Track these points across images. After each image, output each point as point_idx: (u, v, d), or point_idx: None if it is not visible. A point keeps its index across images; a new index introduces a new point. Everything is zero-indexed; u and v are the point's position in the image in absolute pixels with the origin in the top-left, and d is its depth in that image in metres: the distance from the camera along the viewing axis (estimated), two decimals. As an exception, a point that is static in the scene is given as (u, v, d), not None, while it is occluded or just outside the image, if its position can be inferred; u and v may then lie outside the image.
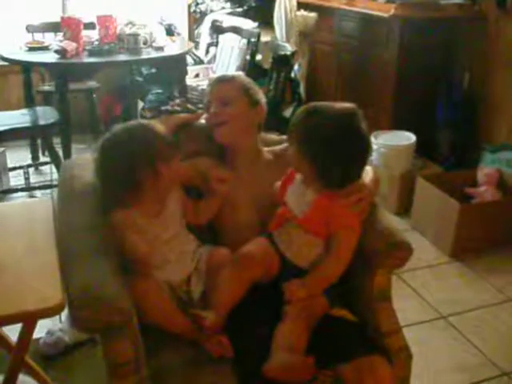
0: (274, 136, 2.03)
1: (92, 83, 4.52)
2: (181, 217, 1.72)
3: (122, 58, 3.68)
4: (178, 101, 3.50)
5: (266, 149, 1.92)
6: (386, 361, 1.50)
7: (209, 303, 1.62)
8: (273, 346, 1.46)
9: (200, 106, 3.68)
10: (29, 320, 1.40)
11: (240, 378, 1.50)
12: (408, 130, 3.72)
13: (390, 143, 3.63)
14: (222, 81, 1.89)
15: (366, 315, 1.66)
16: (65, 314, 2.28)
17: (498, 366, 2.37)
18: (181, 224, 1.72)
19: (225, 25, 4.58)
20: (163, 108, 3.54)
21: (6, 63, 3.79)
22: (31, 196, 3.76)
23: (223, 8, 5.11)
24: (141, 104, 4.68)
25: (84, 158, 1.98)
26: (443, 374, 2.32)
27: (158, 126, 1.66)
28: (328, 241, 1.60)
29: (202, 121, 1.96)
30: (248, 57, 4.19)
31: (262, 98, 1.90)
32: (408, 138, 3.68)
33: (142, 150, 1.56)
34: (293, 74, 4.38)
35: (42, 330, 2.34)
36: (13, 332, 1.56)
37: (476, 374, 2.33)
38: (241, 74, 2.02)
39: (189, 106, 3.40)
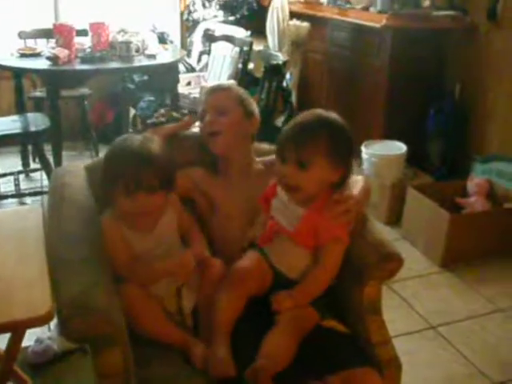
0: (265, 146, 2.03)
1: (84, 90, 4.51)
2: (175, 231, 1.71)
3: (114, 65, 3.69)
4: (162, 111, 3.50)
5: (257, 159, 1.92)
6: (376, 372, 1.50)
7: (201, 318, 1.62)
8: (258, 354, 1.45)
9: (185, 112, 3.68)
10: (17, 329, 1.39)
11: None
12: (399, 139, 3.74)
13: (381, 153, 3.65)
14: (218, 90, 1.89)
15: (356, 326, 1.66)
16: (54, 322, 2.26)
17: (487, 376, 2.37)
18: (175, 237, 1.71)
19: (217, 33, 4.60)
20: (149, 122, 3.54)
21: (-3, 69, 3.79)
22: (21, 203, 3.75)
23: (216, 16, 5.13)
24: (132, 111, 4.68)
25: (75, 166, 1.97)
26: (433, 384, 2.32)
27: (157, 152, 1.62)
28: (315, 252, 1.61)
29: (195, 129, 1.96)
30: (240, 65, 4.21)
31: (255, 109, 1.91)
32: (399, 147, 3.70)
33: (121, 171, 1.57)
34: (285, 83, 4.39)
35: (30, 338, 2.32)
36: (2, 341, 1.55)
37: (466, 384, 2.33)
38: (234, 83, 2.02)
39: (174, 113, 3.39)
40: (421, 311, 2.79)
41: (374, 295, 1.66)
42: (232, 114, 1.82)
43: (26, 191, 3.85)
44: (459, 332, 2.65)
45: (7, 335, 1.48)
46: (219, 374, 1.44)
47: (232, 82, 4.06)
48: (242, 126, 1.84)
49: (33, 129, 3.56)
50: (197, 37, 5.18)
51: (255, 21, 5.00)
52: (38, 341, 2.34)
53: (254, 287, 1.60)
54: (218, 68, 4.59)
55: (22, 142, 4.07)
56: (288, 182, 1.57)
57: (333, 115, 1.66)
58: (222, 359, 1.45)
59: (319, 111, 1.66)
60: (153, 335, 1.56)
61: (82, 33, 3.93)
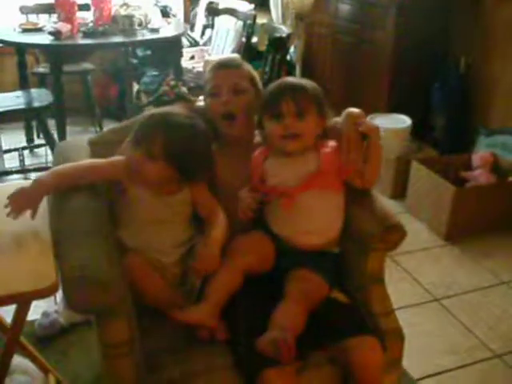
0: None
1: (87, 65, 4.50)
2: (188, 206, 1.70)
3: (117, 39, 3.66)
4: (172, 82, 3.47)
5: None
6: (377, 341, 1.51)
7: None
8: (269, 324, 1.48)
9: (192, 85, 3.66)
10: (23, 301, 1.40)
11: (234, 356, 1.51)
12: (404, 113, 3.72)
13: (386, 126, 3.62)
14: (232, 67, 1.85)
15: (358, 297, 1.68)
16: (60, 295, 2.29)
17: (490, 348, 2.39)
18: (186, 212, 1.71)
19: (221, 7, 4.55)
20: (156, 94, 3.52)
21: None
22: (26, 178, 3.74)
23: (219, -11, 5.08)
24: (136, 86, 4.66)
25: (78, 140, 1.98)
26: (436, 356, 2.34)
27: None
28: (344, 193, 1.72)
29: (200, 103, 1.94)
30: (244, 39, 4.18)
31: (261, 86, 1.90)
32: (403, 121, 3.68)
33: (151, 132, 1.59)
34: (289, 57, 4.36)
35: (37, 311, 2.35)
36: (9, 314, 1.57)
37: (468, 356, 2.35)
38: (238, 57, 1.99)
39: (183, 89, 3.37)
40: (425, 284, 2.81)
41: (377, 266, 1.67)
42: (247, 95, 1.81)
43: (31, 167, 3.86)
44: (463, 304, 2.66)
45: (13, 308, 1.50)
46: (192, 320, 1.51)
47: (236, 55, 4.04)
48: (254, 106, 1.82)
49: (36, 104, 3.55)
50: (200, 10, 5.14)
51: (259, -6, 4.95)
52: (45, 314, 2.37)
53: (253, 259, 1.62)
54: (221, 42, 4.56)
55: (26, 117, 4.07)
56: (292, 131, 1.65)
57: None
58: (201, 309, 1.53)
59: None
60: (155, 304, 1.58)
61: (84, 7, 3.90)
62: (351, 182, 1.71)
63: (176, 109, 1.71)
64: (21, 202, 1.49)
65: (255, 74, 1.89)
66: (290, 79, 1.80)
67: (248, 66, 1.89)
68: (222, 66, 1.86)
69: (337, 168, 1.68)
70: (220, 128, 1.83)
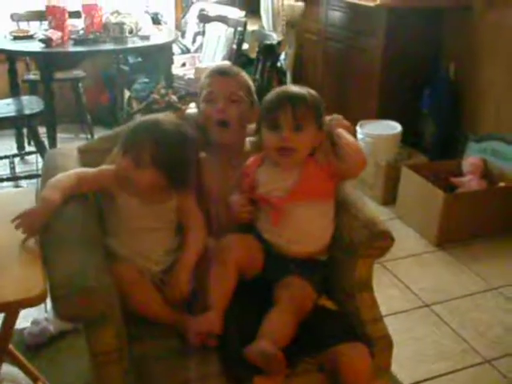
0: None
1: (78, 72, 4.50)
2: (174, 217, 1.71)
3: (108, 47, 3.67)
4: (162, 90, 3.47)
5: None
6: (365, 348, 1.52)
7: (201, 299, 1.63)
8: (259, 332, 1.48)
9: (182, 93, 3.66)
10: (10, 310, 1.40)
11: (223, 363, 1.51)
12: (394, 119, 3.74)
13: (376, 133, 3.65)
14: (230, 74, 1.85)
15: (346, 304, 1.68)
16: (50, 303, 2.28)
17: (480, 353, 2.40)
18: (172, 222, 1.71)
19: (211, 14, 4.57)
20: (146, 102, 3.52)
21: (-10, 52, 3.78)
22: (17, 186, 3.74)
23: (210, -3, 5.10)
24: (127, 93, 4.66)
25: (68, 147, 1.98)
26: (426, 362, 2.34)
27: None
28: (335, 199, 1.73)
29: (192, 110, 1.95)
30: (234, 46, 4.19)
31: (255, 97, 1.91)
32: (394, 127, 3.70)
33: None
34: (279, 64, 4.37)
35: (27, 319, 2.35)
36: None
37: (459, 361, 2.35)
38: (229, 64, 1.99)
39: (172, 97, 3.37)
40: (415, 290, 2.81)
41: (365, 273, 1.67)
42: (242, 104, 1.81)
43: (22, 174, 3.84)
44: (453, 310, 2.67)
45: (0, 317, 1.50)
46: (203, 328, 1.51)
47: (226, 62, 4.05)
48: (248, 116, 1.83)
49: (27, 112, 3.55)
50: (191, 17, 5.15)
51: (250, 1, 4.96)
52: (35, 322, 2.36)
53: (243, 257, 1.61)
54: (212, 49, 4.57)
55: (17, 125, 4.04)
56: (288, 145, 1.63)
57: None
58: (209, 317, 1.52)
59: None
60: (145, 312, 1.59)
61: (75, 14, 3.91)
62: (342, 173, 1.71)
63: (164, 116, 1.72)
64: (34, 224, 1.49)
65: (251, 83, 1.90)
66: (291, 88, 1.74)
67: (245, 76, 1.89)
68: (221, 73, 1.86)
69: (320, 174, 1.68)
70: (212, 134, 1.83)
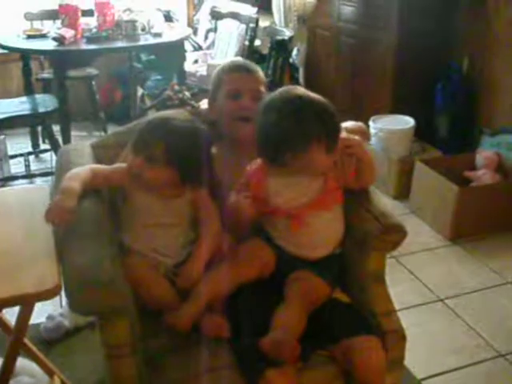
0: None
1: (91, 70, 4.52)
2: (187, 213, 1.71)
3: (120, 44, 3.69)
4: (176, 87, 3.49)
5: None
6: (378, 341, 1.52)
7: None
8: (271, 325, 1.48)
9: (196, 91, 3.68)
10: (26, 303, 1.42)
11: (236, 356, 1.52)
12: (407, 113, 3.73)
13: (389, 127, 3.64)
14: (252, 72, 1.85)
15: (360, 297, 1.68)
16: (65, 299, 2.30)
17: (494, 347, 2.39)
18: (186, 218, 1.71)
19: (223, 10, 4.57)
20: (160, 99, 3.54)
21: (4, 51, 3.82)
22: (31, 183, 3.78)
23: (222, -7, 5.10)
24: (140, 91, 4.69)
25: (81, 144, 2.00)
26: (440, 355, 2.34)
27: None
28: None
29: (205, 106, 1.95)
30: (246, 42, 4.19)
31: None
32: (407, 122, 3.69)
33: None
34: (292, 60, 4.37)
35: (42, 315, 2.38)
36: (12, 316, 1.59)
37: (473, 355, 2.35)
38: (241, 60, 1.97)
39: (187, 94, 3.39)
40: (429, 284, 2.81)
41: (378, 266, 1.67)
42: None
43: (36, 172, 3.88)
44: (467, 304, 2.66)
45: (16, 311, 1.51)
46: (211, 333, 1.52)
47: (239, 58, 4.05)
48: None
49: (41, 110, 3.58)
50: (203, 14, 5.16)
51: (261, -3, 4.97)
52: (50, 317, 2.39)
53: (251, 273, 1.61)
54: (224, 45, 4.58)
55: (31, 123, 4.07)
56: (319, 170, 1.60)
57: (307, 91, 1.65)
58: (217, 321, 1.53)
59: (297, 92, 1.62)
60: (158, 306, 1.59)
61: (88, 13, 3.92)
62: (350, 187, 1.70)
63: (176, 113, 1.72)
64: (64, 213, 1.48)
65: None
66: (310, 101, 1.59)
67: (261, 72, 1.90)
68: (244, 69, 1.86)
69: (337, 188, 1.66)
70: (231, 129, 1.84)
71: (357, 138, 1.67)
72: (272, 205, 1.64)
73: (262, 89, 1.82)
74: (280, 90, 1.66)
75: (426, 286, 2.80)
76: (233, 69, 1.87)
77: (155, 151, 1.58)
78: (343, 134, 1.64)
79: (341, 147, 1.62)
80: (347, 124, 1.78)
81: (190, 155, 1.62)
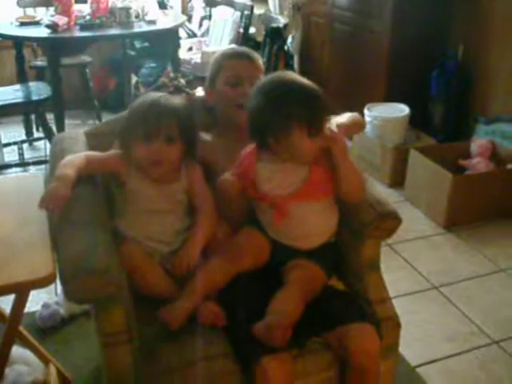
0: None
1: (85, 58, 4.49)
2: (184, 197, 1.72)
3: (114, 31, 3.68)
4: (171, 74, 3.46)
5: None
6: (373, 328, 1.52)
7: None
8: (267, 311, 1.48)
9: (191, 78, 3.66)
10: (20, 290, 1.42)
11: (231, 344, 1.52)
12: (402, 101, 3.73)
13: (384, 115, 3.64)
14: (252, 59, 1.84)
15: (354, 284, 1.69)
16: (60, 287, 2.30)
17: (488, 334, 2.40)
18: (183, 203, 1.72)
19: (218, -3, 4.55)
20: (155, 86, 3.51)
21: (-3, 38, 3.78)
22: (25, 172, 3.76)
23: (216, -20, 5.07)
24: (134, 78, 4.67)
25: (75, 132, 1.99)
26: (434, 342, 2.35)
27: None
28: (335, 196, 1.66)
29: (199, 93, 1.94)
30: (241, 30, 4.17)
31: None
32: (401, 110, 3.69)
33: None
34: (287, 47, 4.36)
35: (38, 303, 2.38)
36: (8, 304, 1.59)
37: (466, 342, 2.36)
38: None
39: (182, 81, 3.37)
40: (423, 272, 2.82)
41: (373, 254, 1.68)
42: None
43: (30, 160, 3.87)
44: (461, 292, 2.67)
45: (11, 299, 1.51)
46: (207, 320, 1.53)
47: (234, 46, 4.03)
48: None
49: (35, 98, 3.56)
50: (197, 2, 5.13)
51: (256, -16, 4.93)
52: (45, 306, 2.38)
53: (246, 264, 1.62)
54: (219, 33, 4.55)
55: (25, 111, 4.07)
56: (311, 157, 1.58)
57: (298, 77, 1.63)
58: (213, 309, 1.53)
59: (286, 77, 1.62)
60: (153, 293, 1.60)
61: (81, 0, 3.89)
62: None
63: (155, 95, 1.72)
64: (58, 200, 1.48)
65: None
66: (294, 86, 1.58)
67: (261, 60, 1.89)
68: (245, 56, 1.85)
69: (325, 174, 1.62)
70: (228, 115, 1.84)
71: (343, 138, 1.61)
72: (260, 190, 1.64)
73: (261, 75, 1.81)
74: (271, 75, 1.66)
75: (420, 273, 2.81)
76: (233, 55, 1.86)
77: (172, 130, 1.61)
78: (333, 127, 1.63)
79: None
80: (342, 117, 1.75)
81: (194, 126, 1.70)
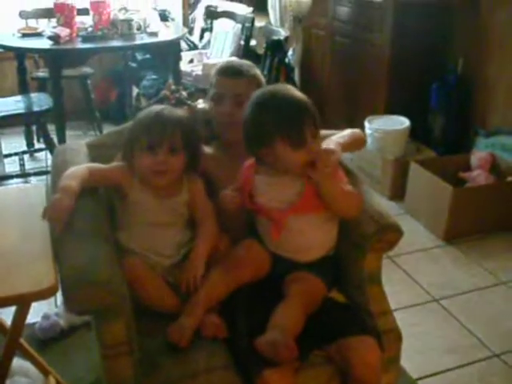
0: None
1: (86, 69, 4.51)
2: (186, 210, 1.72)
3: (116, 43, 3.70)
4: (173, 87, 3.48)
5: None
6: (374, 341, 1.52)
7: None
8: (268, 325, 1.48)
9: (192, 90, 3.67)
10: (22, 302, 1.41)
11: (233, 356, 1.52)
12: (402, 114, 3.73)
13: (384, 128, 3.65)
14: (236, 75, 1.80)
15: (356, 297, 1.68)
16: (60, 298, 2.30)
17: (488, 347, 2.40)
18: (184, 216, 1.72)
19: (219, 10, 4.57)
20: (157, 98, 3.53)
21: (-1, 50, 3.80)
22: (26, 182, 3.77)
23: (217, -7, 5.10)
24: (136, 90, 4.68)
25: (76, 143, 1.99)
26: (435, 355, 2.35)
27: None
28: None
29: (201, 105, 1.95)
30: (242, 42, 4.19)
31: None
32: (402, 122, 3.70)
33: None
34: (287, 60, 4.37)
35: (38, 314, 2.37)
36: (8, 316, 1.58)
37: (467, 355, 2.35)
38: (250, 64, 1.92)
39: (183, 94, 3.38)
40: (424, 284, 2.81)
41: (374, 266, 1.68)
42: None
43: (31, 171, 3.87)
44: (462, 304, 2.67)
45: (12, 311, 1.51)
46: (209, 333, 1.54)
47: (234, 58, 4.05)
48: None
49: (36, 109, 3.57)
50: (199, 14, 5.16)
51: (257, -3, 4.97)
52: (46, 317, 2.38)
53: (246, 276, 1.62)
54: (220, 45, 4.58)
55: (26, 122, 4.07)
56: (297, 169, 1.58)
57: (291, 90, 1.64)
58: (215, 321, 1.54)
59: (276, 90, 1.63)
60: (155, 306, 1.60)
61: (83, 12, 3.92)
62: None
63: (157, 106, 1.74)
64: (62, 213, 1.49)
65: (263, 79, 1.87)
66: (286, 97, 1.59)
67: (256, 72, 1.85)
68: (228, 74, 1.82)
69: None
70: (219, 130, 1.85)
71: (336, 154, 1.59)
72: (256, 202, 1.65)
73: (250, 91, 1.70)
74: (264, 88, 1.70)
75: (421, 286, 2.80)
76: (221, 72, 1.84)
77: (175, 140, 1.62)
78: (331, 143, 1.63)
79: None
80: (343, 133, 1.75)
81: (198, 138, 1.72)
